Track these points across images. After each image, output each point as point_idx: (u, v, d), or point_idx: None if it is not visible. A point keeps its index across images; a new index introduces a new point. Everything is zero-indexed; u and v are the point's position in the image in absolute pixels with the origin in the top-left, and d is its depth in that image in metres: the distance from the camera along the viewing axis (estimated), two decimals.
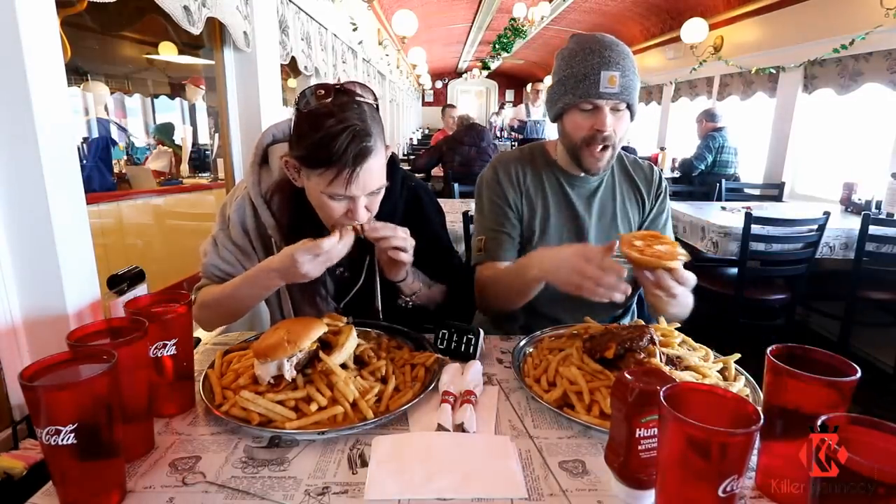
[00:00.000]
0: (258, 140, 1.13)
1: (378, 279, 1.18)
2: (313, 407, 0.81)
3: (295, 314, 1.19)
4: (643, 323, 1.07)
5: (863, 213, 2.69)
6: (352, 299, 1.19)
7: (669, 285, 0.93)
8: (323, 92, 0.96)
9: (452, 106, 5.63)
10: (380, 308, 1.19)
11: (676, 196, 3.98)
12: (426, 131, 13.58)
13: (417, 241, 1.07)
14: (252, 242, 1.14)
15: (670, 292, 0.93)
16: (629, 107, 1.17)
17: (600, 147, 1.17)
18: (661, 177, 1.36)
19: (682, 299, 1.01)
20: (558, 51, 1.23)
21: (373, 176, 0.97)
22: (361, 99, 0.98)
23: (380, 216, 1.07)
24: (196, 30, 1.34)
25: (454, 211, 2.62)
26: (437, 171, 4.78)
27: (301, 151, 0.97)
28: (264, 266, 1.00)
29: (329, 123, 0.92)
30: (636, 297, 1.41)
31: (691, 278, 0.95)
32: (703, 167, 4.31)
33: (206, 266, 1.15)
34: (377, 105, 1.02)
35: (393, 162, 1.13)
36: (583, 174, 1.27)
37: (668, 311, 1.14)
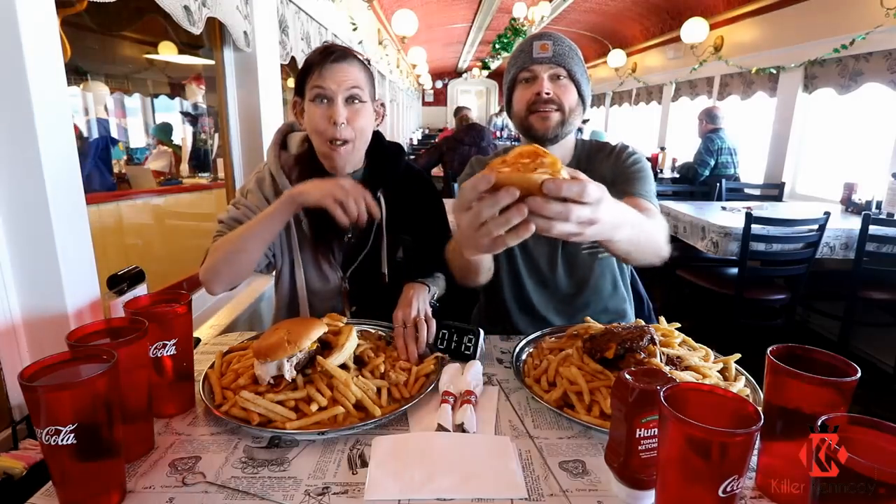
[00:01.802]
0: (279, 128, 1.26)
1: (385, 244, 1.22)
2: (313, 407, 0.81)
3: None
4: (643, 323, 1.07)
5: (863, 213, 2.69)
6: (358, 266, 1.23)
7: (553, 211, 0.62)
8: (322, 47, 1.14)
9: (466, 108, 5.40)
10: (386, 272, 1.22)
11: (676, 196, 3.98)
12: (426, 131, 13.58)
13: (424, 216, 1.27)
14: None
15: (563, 219, 0.62)
16: (572, 78, 1.17)
17: (545, 108, 1.17)
18: (625, 146, 1.30)
19: (621, 233, 0.74)
20: None
21: (346, 75, 1.08)
22: (350, 49, 1.14)
23: (388, 194, 1.20)
24: (196, 30, 1.34)
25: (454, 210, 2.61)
26: (437, 171, 4.78)
27: (296, 82, 1.13)
28: (288, 194, 1.04)
29: (315, 51, 1.11)
30: (631, 298, 1.40)
31: (583, 189, 0.62)
32: (707, 173, 4.31)
33: (223, 221, 1.16)
34: (368, 63, 1.17)
35: (400, 150, 1.27)
36: None
37: (629, 256, 1.01)
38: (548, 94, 1.16)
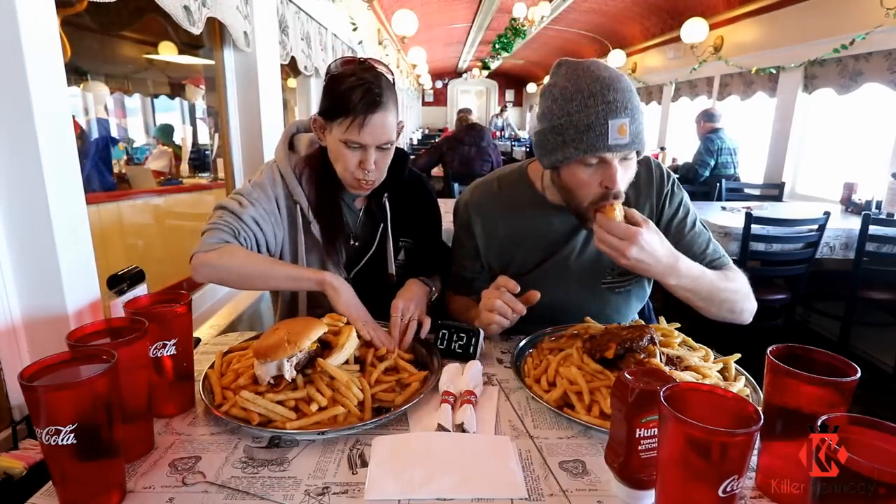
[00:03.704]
0: (286, 129, 1.26)
1: (390, 245, 1.24)
2: (313, 407, 0.81)
3: None
4: (643, 323, 1.07)
5: (863, 213, 2.69)
6: (363, 267, 1.24)
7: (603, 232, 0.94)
8: (348, 62, 1.13)
9: (468, 110, 5.37)
10: (394, 272, 1.24)
11: None
12: (426, 131, 13.59)
13: (423, 219, 1.32)
14: (278, 208, 1.18)
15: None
16: (638, 152, 1.02)
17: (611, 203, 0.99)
18: (663, 172, 1.19)
19: (693, 285, 1.01)
20: (546, 86, 1.05)
21: (383, 128, 1.08)
22: (379, 71, 1.12)
23: (390, 199, 1.24)
24: (196, 30, 1.34)
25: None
26: (437, 171, 4.78)
27: (325, 105, 1.11)
28: (323, 278, 1.04)
29: (349, 81, 1.07)
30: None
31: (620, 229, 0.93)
32: (707, 173, 4.31)
33: (226, 208, 1.11)
34: (393, 81, 1.15)
35: (404, 154, 1.28)
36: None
37: (691, 302, 1.08)
38: (619, 190, 0.98)
